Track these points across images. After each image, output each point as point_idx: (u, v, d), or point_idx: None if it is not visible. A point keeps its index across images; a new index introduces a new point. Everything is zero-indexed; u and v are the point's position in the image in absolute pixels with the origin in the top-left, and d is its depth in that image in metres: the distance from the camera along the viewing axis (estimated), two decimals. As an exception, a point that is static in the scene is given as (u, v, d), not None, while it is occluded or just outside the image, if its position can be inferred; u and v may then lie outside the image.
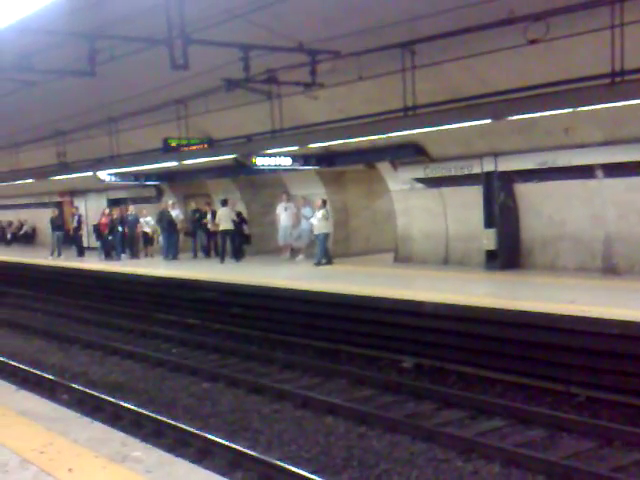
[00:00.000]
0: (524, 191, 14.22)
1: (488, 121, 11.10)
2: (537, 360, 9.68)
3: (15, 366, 11.82)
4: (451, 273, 14.39)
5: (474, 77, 12.28)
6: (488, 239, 14.27)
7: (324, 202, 17.11)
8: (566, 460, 7.06)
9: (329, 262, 16.95)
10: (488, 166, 14.14)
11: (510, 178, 14.14)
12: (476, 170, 14.37)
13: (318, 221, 16.86)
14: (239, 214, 19.76)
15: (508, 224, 14.26)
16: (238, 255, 19.34)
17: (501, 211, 14.19)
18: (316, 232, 17.02)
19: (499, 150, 13.91)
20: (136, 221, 21.42)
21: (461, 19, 10.14)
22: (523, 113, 10.55)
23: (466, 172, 14.57)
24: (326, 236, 17.00)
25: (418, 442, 7.85)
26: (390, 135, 12.95)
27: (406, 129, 12.14)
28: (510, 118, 10.94)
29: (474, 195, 14.63)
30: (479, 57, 11.12)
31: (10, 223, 33.53)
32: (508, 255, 14.25)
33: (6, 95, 14.75)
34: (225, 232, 19.18)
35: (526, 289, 12.14)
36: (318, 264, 16.80)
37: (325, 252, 17.00)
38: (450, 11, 9.86)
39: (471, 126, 11.52)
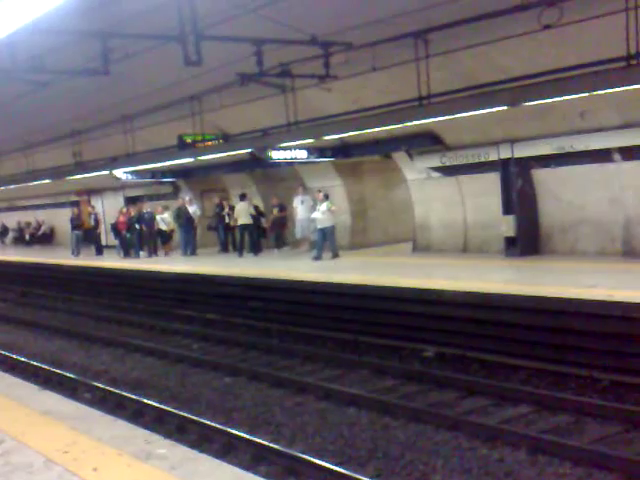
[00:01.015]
0: (542, 177, 14.10)
1: (504, 108, 11.01)
2: (560, 346, 9.61)
3: (37, 366, 11.88)
4: (470, 261, 14.31)
5: (488, 64, 12.19)
6: (507, 226, 14.18)
7: (326, 196, 16.83)
8: (592, 445, 7.00)
9: (320, 257, 16.55)
10: (505, 153, 14.04)
11: (527, 164, 14.04)
12: (493, 157, 14.27)
13: (322, 214, 16.47)
14: (256, 208, 19.78)
15: (527, 210, 14.16)
16: (256, 249, 19.34)
17: (519, 197, 14.08)
18: (320, 226, 16.59)
19: (515, 136, 13.80)
20: (153, 218, 21.45)
21: (474, 6, 10.05)
22: (539, 99, 10.45)
23: (483, 159, 14.49)
24: (332, 229, 16.64)
25: (442, 431, 7.80)
26: (406, 124, 12.89)
27: (422, 118, 12.07)
28: (526, 104, 10.84)
29: (491, 182, 14.53)
30: (493, 44, 11.04)
31: (28, 224, 33.76)
32: (527, 241, 14.15)
33: (21, 96, 14.81)
34: (244, 227, 19.20)
35: (547, 275, 12.05)
36: (317, 258, 16.39)
37: (332, 245, 16.66)
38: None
39: (487, 113, 11.43)
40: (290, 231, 20.12)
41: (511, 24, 10.34)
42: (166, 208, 21.63)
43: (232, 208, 20.39)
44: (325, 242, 16.63)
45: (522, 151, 13.84)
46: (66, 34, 10.33)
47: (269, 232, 20.17)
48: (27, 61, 10.99)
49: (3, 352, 13.14)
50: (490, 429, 7.63)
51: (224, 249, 21.34)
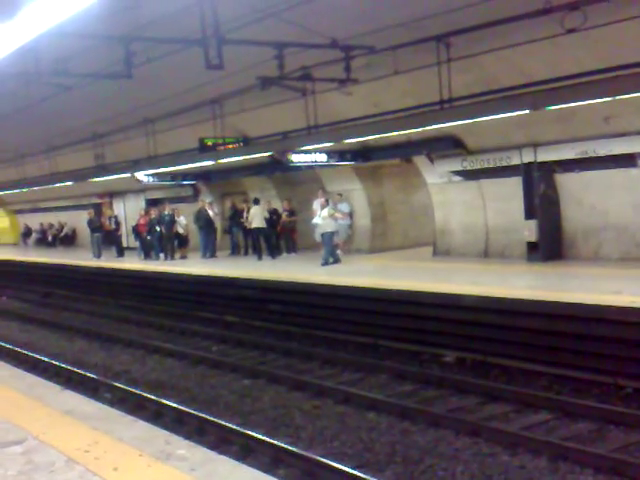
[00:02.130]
0: (565, 181, 14.00)
1: (526, 112, 10.93)
2: (583, 352, 9.52)
3: (59, 366, 11.98)
4: (492, 266, 14.23)
5: (511, 68, 12.13)
6: (529, 230, 14.08)
7: (327, 200, 16.77)
8: (615, 453, 6.92)
9: (336, 261, 16.46)
10: (527, 157, 13.95)
11: (550, 168, 13.94)
12: (515, 161, 14.20)
13: (323, 220, 16.39)
14: (275, 211, 19.79)
15: (549, 215, 14.05)
16: (274, 252, 19.37)
17: (542, 202, 13.98)
18: (321, 231, 16.52)
19: (538, 140, 13.72)
20: (172, 221, 21.51)
21: (496, 10, 10.00)
22: (562, 103, 10.38)
23: (505, 163, 14.42)
24: (332, 235, 16.57)
25: (462, 437, 7.76)
26: (427, 128, 12.85)
27: (443, 122, 12.04)
28: (549, 108, 10.76)
29: (513, 186, 14.45)
30: (515, 48, 10.98)
31: (51, 225, 34.06)
32: (550, 246, 14.04)
33: (44, 99, 14.95)
34: (258, 230, 19.26)
35: (570, 280, 11.95)
36: (325, 264, 16.33)
37: (332, 251, 16.59)
38: (485, 2, 9.73)
39: (509, 117, 11.37)
40: (301, 235, 20.15)
41: (534, 28, 10.28)
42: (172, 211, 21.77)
43: (249, 211, 20.47)
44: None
45: (545, 155, 13.75)
46: (90, 38, 10.41)
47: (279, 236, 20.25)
48: (51, 65, 11.09)
49: (25, 352, 13.27)
50: (511, 435, 7.57)
51: (234, 252, 21.41)
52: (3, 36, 5.31)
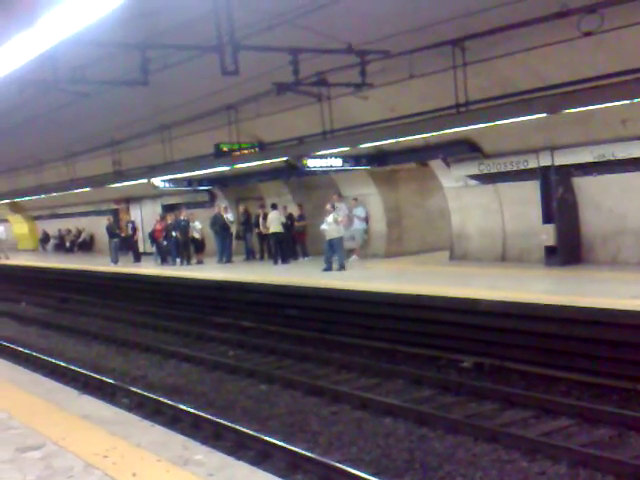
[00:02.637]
0: (583, 185, 13.90)
1: (543, 115, 10.88)
2: (602, 357, 9.43)
3: (76, 371, 12.04)
4: (509, 270, 14.15)
5: (527, 71, 12.08)
6: (547, 235, 13.98)
7: (333, 206, 16.75)
8: (635, 460, 6.85)
9: (330, 268, 16.32)
10: (545, 160, 13.87)
11: (568, 172, 13.85)
12: (532, 165, 14.12)
13: (329, 226, 16.32)
14: (289, 216, 19.81)
15: (567, 219, 13.95)
16: (286, 258, 19.40)
17: (560, 206, 13.88)
18: (328, 237, 16.43)
19: (556, 144, 13.64)
20: (187, 226, 21.56)
21: (512, 13, 9.97)
22: (579, 106, 10.31)
23: (522, 167, 14.33)
24: (340, 240, 16.50)
25: (481, 443, 7.71)
26: (443, 132, 12.82)
27: (460, 125, 11.98)
28: (566, 111, 10.70)
29: (531, 190, 14.37)
30: (532, 51, 10.95)
31: (69, 231, 34.27)
32: (568, 251, 13.94)
33: (62, 107, 15.09)
34: (274, 235, 19.31)
35: (588, 285, 11.86)
36: (328, 269, 16.22)
37: (340, 257, 16.47)
38: (501, 6, 9.71)
39: (526, 120, 11.31)
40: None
41: (550, 31, 10.24)
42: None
43: (266, 216, 20.52)
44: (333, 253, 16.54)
45: (563, 159, 13.66)
46: (107, 46, 10.48)
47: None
48: (69, 72, 11.18)
49: (43, 357, 13.35)
50: (530, 441, 7.52)
51: (249, 257, 21.46)
52: (23, 44, 5.35)
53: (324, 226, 16.54)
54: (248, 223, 21.39)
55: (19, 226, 39.68)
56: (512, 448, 7.48)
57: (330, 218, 16.36)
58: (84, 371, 11.97)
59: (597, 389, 9.15)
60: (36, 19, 4.83)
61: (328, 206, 16.74)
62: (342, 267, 16.33)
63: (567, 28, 9.65)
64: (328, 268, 16.34)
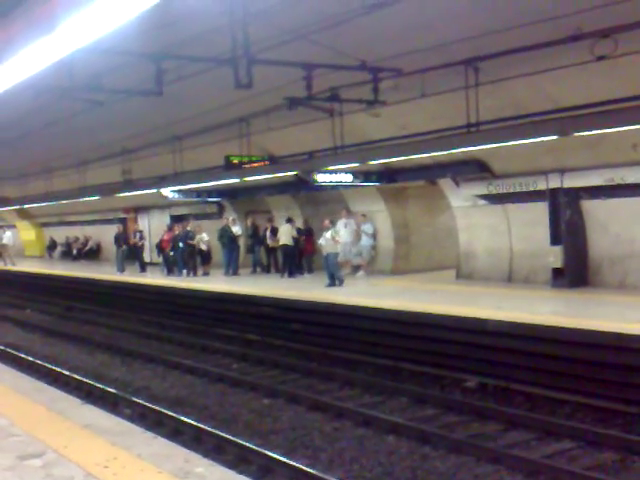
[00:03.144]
0: (591, 208, 13.88)
1: (554, 137, 10.89)
2: (607, 381, 9.39)
3: (79, 380, 12.02)
4: (516, 291, 14.12)
5: (539, 93, 12.10)
6: (554, 256, 13.95)
7: (331, 222, 16.85)
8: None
9: (333, 284, 16.37)
10: (554, 182, 13.87)
11: (577, 195, 13.85)
12: (541, 186, 14.12)
13: (326, 241, 16.42)
14: (299, 230, 19.84)
15: (575, 241, 13.93)
16: (293, 271, 19.42)
17: (568, 228, 13.87)
18: (324, 252, 16.55)
19: (565, 166, 13.64)
20: (191, 237, 21.55)
21: (526, 35, 10.00)
22: (590, 129, 10.32)
23: (531, 188, 14.34)
24: (334, 256, 16.57)
25: (483, 464, 7.67)
26: (453, 151, 12.83)
27: (470, 145, 12.01)
28: (577, 134, 10.70)
29: (539, 212, 14.35)
30: (544, 73, 10.96)
31: (76, 239, 34.34)
32: (575, 273, 13.90)
33: (76, 114, 15.15)
34: (284, 248, 19.34)
35: (595, 308, 11.82)
36: (332, 285, 16.32)
37: (335, 272, 16.53)
38: (515, 28, 9.73)
39: (536, 142, 11.32)
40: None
41: (563, 54, 10.25)
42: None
43: (274, 230, 20.55)
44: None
45: (572, 181, 13.67)
46: (124, 55, 10.55)
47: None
48: (84, 80, 11.24)
49: (47, 364, 13.35)
50: (532, 463, 7.48)
51: (256, 270, 21.52)
52: (42, 49, 5.40)
53: (321, 241, 16.69)
54: (256, 236, 21.42)
55: (26, 232, 39.78)
56: (514, 469, 7.44)
57: (328, 234, 16.44)
58: (87, 380, 11.96)
59: (602, 412, 9.09)
60: (56, 25, 4.87)
61: (326, 222, 16.90)
62: (340, 282, 16.34)
63: (580, 51, 9.67)
64: (332, 284, 16.34)
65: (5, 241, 31.48)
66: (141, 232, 25.14)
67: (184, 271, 21.54)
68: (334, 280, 16.38)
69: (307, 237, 19.89)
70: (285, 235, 19.29)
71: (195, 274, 21.28)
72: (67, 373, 12.53)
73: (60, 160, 25.13)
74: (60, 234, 36.45)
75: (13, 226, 38.53)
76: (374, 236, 19.11)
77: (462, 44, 10.66)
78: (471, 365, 11.11)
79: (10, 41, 5.72)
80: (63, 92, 11.65)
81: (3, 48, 6.03)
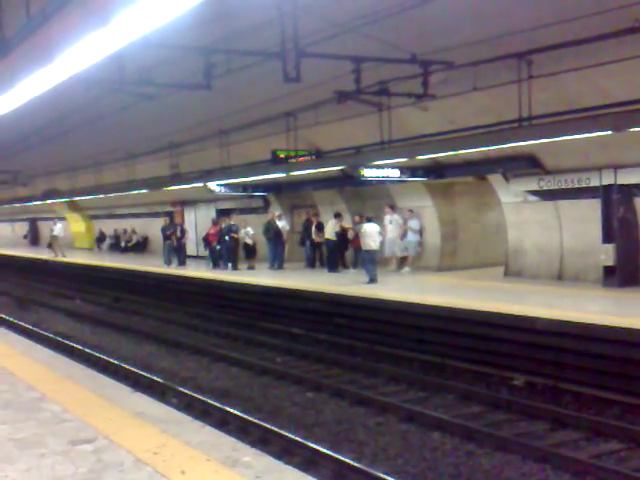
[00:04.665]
0: (645, 205, 13.58)
1: (608, 133, 10.66)
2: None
3: (128, 369, 12.21)
4: (566, 289, 13.89)
5: (593, 88, 11.85)
6: (606, 254, 13.68)
7: (364, 218, 16.91)
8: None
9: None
10: (607, 179, 13.59)
11: (630, 191, 13.55)
12: (594, 183, 13.84)
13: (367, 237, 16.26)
14: (344, 228, 19.80)
15: (628, 239, 13.63)
16: (333, 266, 19.46)
17: (620, 226, 13.58)
18: (364, 248, 16.35)
19: (619, 162, 13.34)
20: (235, 231, 21.70)
21: (580, 28, 9.80)
22: (645, 124, 10.06)
23: (583, 185, 14.06)
24: (367, 253, 16.31)
25: (529, 462, 7.58)
26: (504, 146, 12.65)
27: (522, 140, 11.79)
28: (631, 130, 10.46)
29: (591, 209, 14.08)
30: (599, 67, 10.72)
31: (125, 231, 34.84)
32: (627, 271, 13.61)
33: (125, 108, 15.31)
34: (327, 242, 19.48)
35: (647, 308, 11.56)
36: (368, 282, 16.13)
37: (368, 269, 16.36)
38: (568, 21, 9.54)
39: (590, 138, 11.09)
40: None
41: (618, 48, 10.03)
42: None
43: (319, 225, 20.55)
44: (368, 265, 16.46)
45: (625, 178, 13.37)
46: (173, 49, 10.63)
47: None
48: (134, 73, 11.37)
49: (97, 354, 13.58)
50: (580, 463, 7.36)
51: (310, 265, 21.49)
52: (96, 42, 5.47)
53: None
54: (308, 230, 21.46)
55: (76, 225, 40.48)
56: (561, 469, 7.34)
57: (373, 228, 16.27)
58: (135, 369, 12.13)
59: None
60: (110, 18, 4.92)
61: (357, 218, 17.27)
62: (371, 280, 16.08)
63: (636, 45, 9.44)
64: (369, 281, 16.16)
65: (56, 232, 32.08)
66: (182, 225, 25.29)
67: (229, 264, 21.69)
68: (374, 276, 16.20)
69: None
70: (329, 230, 19.32)
71: (236, 268, 21.37)
72: (116, 362, 12.72)
73: (109, 154, 25.51)
74: (109, 227, 37.03)
75: (63, 218, 39.23)
76: (420, 232, 18.97)
77: (514, 37, 10.48)
78: (519, 363, 10.97)
79: (66, 34, 5.80)
80: (113, 86, 11.79)
81: (59, 41, 6.12)
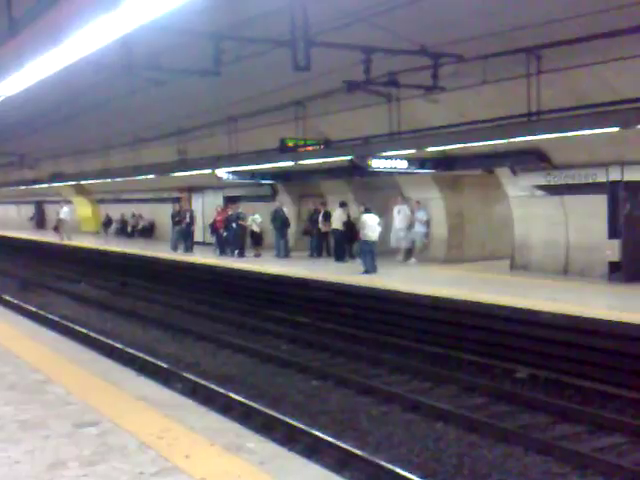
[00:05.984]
0: (651, 202, 13.56)
1: (616, 129, 10.64)
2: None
3: (133, 354, 12.26)
4: (571, 283, 13.90)
5: (601, 84, 11.82)
6: (612, 250, 13.68)
7: (366, 209, 16.84)
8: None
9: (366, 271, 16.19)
10: (614, 175, 13.58)
11: (637, 188, 13.53)
12: (601, 179, 13.83)
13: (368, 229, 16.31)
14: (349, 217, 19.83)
15: (633, 235, 13.63)
16: (340, 255, 19.48)
17: (626, 222, 13.58)
18: (364, 238, 16.41)
19: (626, 159, 13.33)
20: (241, 218, 21.73)
21: (590, 24, 9.77)
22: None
23: (590, 180, 14.06)
24: (365, 244, 16.42)
25: (532, 454, 7.60)
26: (512, 140, 12.63)
27: (530, 134, 11.78)
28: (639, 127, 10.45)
29: (598, 204, 14.07)
30: (608, 64, 10.71)
31: (133, 215, 34.84)
32: (633, 267, 13.61)
33: (134, 92, 15.29)
34: (333, 232, 19.52)
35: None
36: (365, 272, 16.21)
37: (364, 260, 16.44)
38: (578, 16, 9.52)
39: (598, 134, 11.08)
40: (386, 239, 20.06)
41: (628, 44, 10.00)
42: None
43: (326, 214, 20.57)
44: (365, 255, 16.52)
45: (632, 174, 13.36)
46: (183, 34, 10.64)
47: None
48: (143, 58, 11.37)
49: (102, 338, 13.64)
50: (582, 456, 7.38)
51: (316, 254, 21.53)
52: (106, 25, 5.45)
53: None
54: (314, 219, 21.49)
55: (83, 209, 40.53)
56: (563, 461, 7.36)
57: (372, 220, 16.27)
58: (140, 354, 12.18)
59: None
60: (120, 1, 4.92)
61: (361, 208, 16.81)
62: (366, 271, 16.14)
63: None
64: (365, 271, 16.22)
65: (62, 216, 32.15)
66: (191, 212, 25.30)
67: (236, 252, 21.74)
68: (375, 266, 16.20)
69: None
70: (336, 220, 19.33)
71: (242, 255, 21.42)
72: (121, 346, 12.77)
73: (117, 138, 25.53)
74: (115, 211, 37.07)
75: (70, 202, 39.29)
76: (427, 223, 18.98)
77: (524, 31, 10.47)
78: (523, 356, 10.99)
79: (75, 15, 5.80)
80: (122, 69, 11.78)
81: (68, 23, 6.11)
